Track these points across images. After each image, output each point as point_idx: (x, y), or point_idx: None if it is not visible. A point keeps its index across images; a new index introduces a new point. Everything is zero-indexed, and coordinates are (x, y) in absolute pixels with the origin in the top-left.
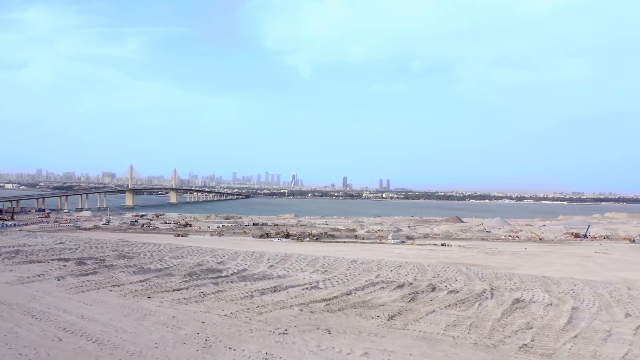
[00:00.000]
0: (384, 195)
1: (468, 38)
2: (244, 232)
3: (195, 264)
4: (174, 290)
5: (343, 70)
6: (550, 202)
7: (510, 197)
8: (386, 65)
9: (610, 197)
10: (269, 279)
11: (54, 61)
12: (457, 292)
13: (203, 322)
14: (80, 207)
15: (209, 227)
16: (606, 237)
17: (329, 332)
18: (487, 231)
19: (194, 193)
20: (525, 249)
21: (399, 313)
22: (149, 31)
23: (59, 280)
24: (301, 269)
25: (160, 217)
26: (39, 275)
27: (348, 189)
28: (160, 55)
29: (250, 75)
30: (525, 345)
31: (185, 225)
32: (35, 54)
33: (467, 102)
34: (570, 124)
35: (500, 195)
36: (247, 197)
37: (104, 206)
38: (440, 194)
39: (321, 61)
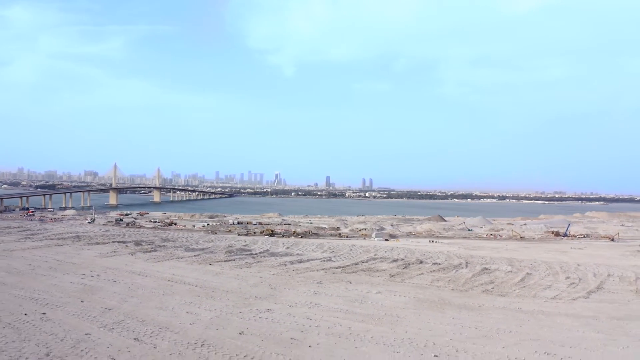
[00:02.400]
0: (367, 195)
1: (450, 38)
2: (229, 230)
3: (226, 246)
4: (225, 261)
5: (326, 69)
6: (531, 201)
7: (492, 197)
8: (369, 65)
9: (591, 196)
10: (291, 255)
11: (36, 59)
12: (440, 264)
13: (260, 277)
14: (64, 205)
15: (194, 226)
16: (586, 236)
17: (350, 283)
18: (469, 230)
19: (177, 192)
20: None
21: (397, 274)
22: (132, 29)
23: (132, 255)
24: (312, 250)
25: (144, 215)
26: (113, 252)
27: (331, 188)
28: (144, 54)
29: (233, 74)
30: (487, 290)
31: (171, 224)
32: (18, 51)
33: (449, 102)
34: (552, 125)
35: (482, 194)
36: (231, 196)
37: (88, 205)
38: (422, 193)
39: (304, 60)
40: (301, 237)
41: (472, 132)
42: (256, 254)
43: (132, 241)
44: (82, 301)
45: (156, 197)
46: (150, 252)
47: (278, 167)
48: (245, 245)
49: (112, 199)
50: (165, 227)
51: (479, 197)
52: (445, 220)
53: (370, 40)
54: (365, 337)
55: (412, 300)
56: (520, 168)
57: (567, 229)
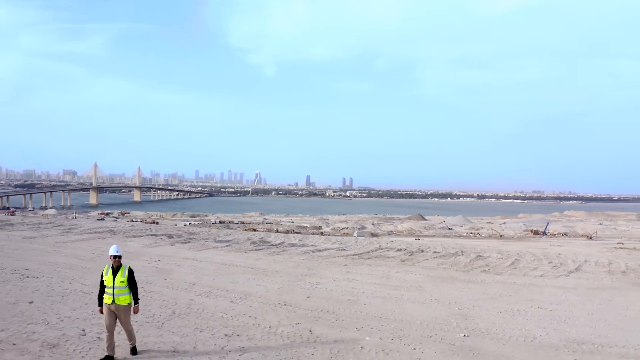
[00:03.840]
0: (348, 194)
1: (430, 39)
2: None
3: (246, 238)
4: (255, 250)
5: (307, 69)
6: (511, 200)
7: (472, 196)
8: (349, 65)
9: (569, 196)
10: (307, 246)
11: (15, 57)
12: (439, 252)
13: (294, 262)
14: (44, 205)
15: (175, 225)
16: (565, 234)
17: (370, 266)
18: (449, 228)
19: (158, 191)
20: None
21: (406, 260)
22: (112, 27)
23: (172, 245)
24: (322, 242)
25: (125, 215)
26: (155, 243)
27: (311, 187)
28: (124, 52)
29: (213, 73)
30: (485, 270)
31: (152, 223)
32: None
33: (429, 102)
34: (531, 125)
35: (462, 194)
36: (211, 195)
37: (68, 204)
38: (402, 192)
39: (285, 59)
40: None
41: (452, 132)
42: (276, 244)
43: (164, 234)
44: (165, 279)
45: (136, 196)
46: (185, 243)
47: (258, 167)
48: (261, 238)
49: (93, 198)
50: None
51: (458, 197)
52: (425, 219)
53: (350, 40)
54: (402, 298)
55: (427, 277)
56: (499, 167)
57: (545, 228)
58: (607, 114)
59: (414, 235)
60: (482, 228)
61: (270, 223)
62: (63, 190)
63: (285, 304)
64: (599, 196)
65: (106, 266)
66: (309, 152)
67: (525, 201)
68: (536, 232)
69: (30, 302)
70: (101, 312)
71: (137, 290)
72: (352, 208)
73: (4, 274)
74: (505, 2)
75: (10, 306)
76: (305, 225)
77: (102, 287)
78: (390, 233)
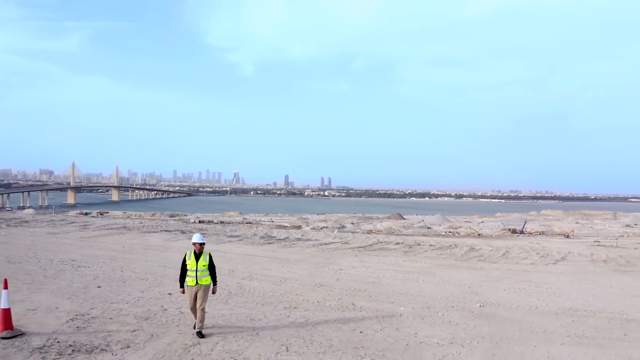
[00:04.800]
0: (326, 193)
1: (409, 39)
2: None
3: (252, 233)
4: (267, 243)
5: (285, 68)
6: (488, 200)
7: (450, 195)
8: (328, 64)
9: (546, 195)
10: (311, 240)
11: None
12: (434, 246)
13: (309, 253)
14: (22, 205)
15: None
16: (542, 233)
17: (377, 256)
18: (428, 227)
19: (136, 191)
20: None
21: (408, 251)
22: (90, 25)
23: (190, 240)
24: (323, 237)
25: (104, 214)
26: (174, 238)
27: (290, 187)
28: (101, 50)
29: (192, 72)
30: (481, 260)
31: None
32: None
33: (407, 101)
34: (508, 125)
35: (440, 193)
36: (190, 194)
37: (46, 204)
38: (381, 192)
39: (264, 59)
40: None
41: (430, 131)
42: (282, 239)
43: (176, 230)
44: None
45: (114, 196)
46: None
47: (236, 166)
48: (265, 234)
49: (70, 198)
50: None
51: (436, 196)
52: (404, 219)
53: (329, 40)
54: (418, 280)
55: (431, 265)
56: (476, 167)
57: (523, 227)
58: (584, 114)
59: (393, 234)
60: (460, 227)
61: (250, 222)
62: (41, 190)
63: (321, 285)
64: (575, 195)
65: (188, 252)
66: (288, 152)
67: (503, 200)
68: (514, 231)
69: (99, 287)
70: (182, 292)
71: (216, 273)
72: (331, 207)
73: (57, 264)
74: (485, 3)
75: (83, 290)
76: (285, 224)
77: (184, 270)
78: (369, 232)
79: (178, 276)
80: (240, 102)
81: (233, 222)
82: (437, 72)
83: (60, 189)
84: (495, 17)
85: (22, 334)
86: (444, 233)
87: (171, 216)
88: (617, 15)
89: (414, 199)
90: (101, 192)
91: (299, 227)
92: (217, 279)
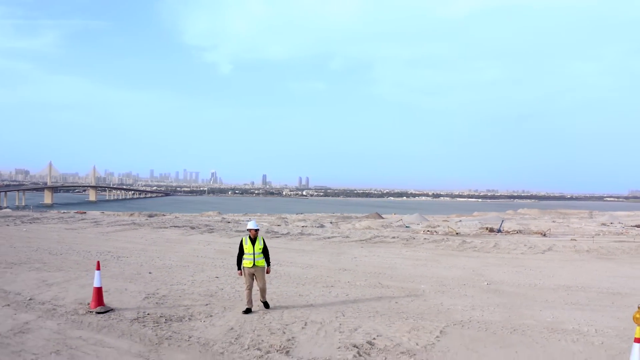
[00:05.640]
0: (304, 193)
1: (387, 39)
2: None
3: None
4: (275, 237)
5: (263, 67)
6: (465, 199)
7: (427, 195)
8: (306, 64)
9: (523, 194)
10: (313, 235)
11: None
12: (428, 239)
13: (319, 245)
14: None
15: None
16: (519, 232)
17: (381, 248)
18: (407, 226)
19: (114, 191)
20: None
21: (407, 244)
22: (66, 24)
23: (202, 234)
24: (323, 232)
25: (82, 215)
26: (187, 232)
27: (268, 186)
28: (77, 49)
29: (168, 71)
30: (475, 250)
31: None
32: None
33: (385, 101)
34: (485, 125)
35: (418, 192)
36: (167, 194)
37: (23, 204)
38: (359, 191)
39: (241, 58)
40: None
41: (407, 131)
42: (285, 234)
43: (185, 226)
44: (232, 256)
45: (92, 196)
46: (212, 232)
47: (214, 166)
48: (267, 229)
49: (47, 198)
50: None
51: (414, 195)
52: (383, 218)
53: (307, 39)
54: (427, 265)
55: (433, 254)
56: (453, 167)
57: (500, 225)
58: (560, 114)
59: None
60: (438, 226)
61: (229, 222)
62: (18, 190)
63: (344, 269)
64: (551, 195)
65: (244, 237)
66: (265, 151)
67: (480, 200)
68: (491, 230)
69: (150, 273)
70: (240, 274)
71: (269, 255)
72: (309, 207)
73: (97, 256)
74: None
75: (137, 275)
76: (264, 224)
77: (241, 254)
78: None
79: (212, 264)
80: (217, 101)
81: (213, 222)
82: (415, 73)
83: (37, 189)
84: (473, 18)
85: (112, 309)
86: (422, 232)
87: (150, 216)
88: (594, 17)
89: (392, 198)
90: (78, 192)
91: (279, 226)
92: (270, 261)
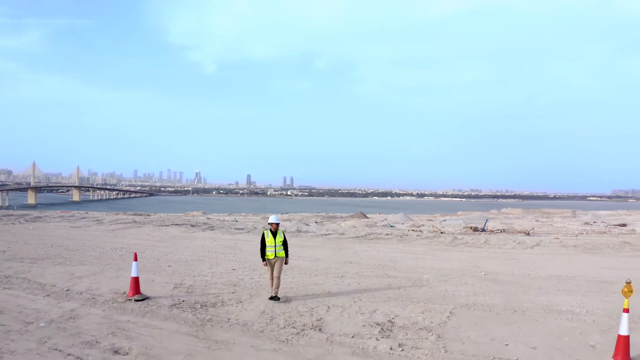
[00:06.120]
0: (289, 193)
1: (372, 38)
2: None
3: (253, 227)
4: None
5: (248, 67)
6: (449, 199)
7: (411, 194)
8: (291, 63)
9: (506, 194)
10: (310, 232)
11: None
12: (420, 235)
13: (319, 241)
14: None
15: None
16: (503, 231)
17: (378, 244)
18: (392, 226)
19: (97, 191)
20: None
21: (401, 240)
22: (50, 22)
23: (204, 232)
24: (317, 229)
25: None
26: (187, 230)
27: (252, 186)
28: (62, 48)
29: (152, 70)
30: (467, 245)
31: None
32: None
33: (369, 101)
34: (469, 125)
35: (402, 192)
36: (151, 194)
37: (6, 204)
38: (343, 191)
39: (226, 57)
40: None
41: (391, 131)
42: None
43: (185, 224)
44: (240, 251)
45: (75, 196)
46: (213, 230)
47: (198, 166)
48: (263, 227)
49: (31, 198)
50: None
51: (398, 195)
52: (367, 217)
53: (291, 39)
54: (425, 259)
55: (429, 249)
56: (437, 166)
57: (484, 225)
58: (542, 115)
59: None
60: (423, 225)
61: (205, 223)
62: (1, 190)
63: (350, 262)
64: (535, 194)
65: (265, 231)
66: (250, 151)
67: (464, 199)
68: (475, 229)
69: (169, 266)
70: (265, 265)
71: (288, 247)
72: (294, 207)
73: (111, 251)
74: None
75: (158, 269)
76: (249, 224)
77: (264, 246)
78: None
79: (224, 258)
80: (201, 100)
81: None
82: (399, 73)
83: (21, 189)
84: (457, 19)
85: (148, 297)
86: (407, 231)
87: (135, 216)
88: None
89: (377, 198)
90: (61, 192)
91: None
92: (288, 252)
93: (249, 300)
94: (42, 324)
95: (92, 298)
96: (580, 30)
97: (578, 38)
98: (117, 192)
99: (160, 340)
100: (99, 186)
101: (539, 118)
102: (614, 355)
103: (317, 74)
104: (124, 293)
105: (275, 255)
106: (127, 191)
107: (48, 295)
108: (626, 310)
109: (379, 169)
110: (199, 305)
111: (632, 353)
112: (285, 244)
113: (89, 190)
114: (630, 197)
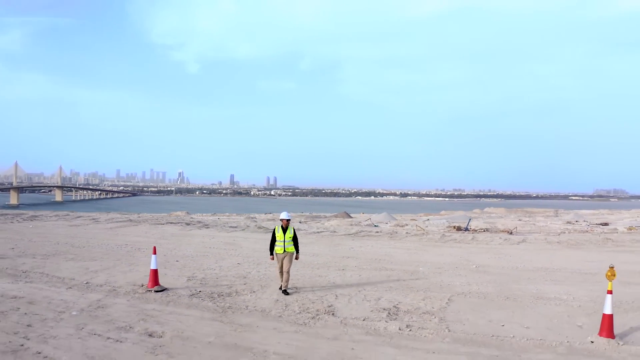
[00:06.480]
0: (272, 193)
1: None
2: None
3: (246, 225)
4: (267, 232)
5: (231, 67)
6: (432, 198)
7: (395, 194)
8: (275, 63)
9: (489, 193)
10: (301, 230)
11: None
12: (409, 233)
13: (314, 238)
14: None
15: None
16: (486, 230)
17: (370, 240)
18: (375, 225)
19: (80, 191)
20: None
21: (392, 237)
22: (32, 21)
23: (200, 229)
24: (309, 228)
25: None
26: (183, 228)
27: (236, 186)
28: (43, 47)
29: (134, 69)
30: (456, 242)
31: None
32: None
33: (353, 101)
34: (451, 124)
35: (385, 192)
36: (134, 194)
37: None
38: (327, 191)
39: (209, 57)
40: None
41: (374, 131)
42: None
43: (180, 222)
44: (241, 247)
45: (58, 196)
46: (209, 228)
47: (181, 165)
48: (256, 225)
49: (13, 198)
50: None
51: (381, 195)
52: (351, 217)
53: (275, 39)
54: (418, 254)
55: (420, 245)
56: (420, 166)
57: (467, 224)
58: (524, 115)
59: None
60: (406, 225)
61: (199, 222)
62: None
63: (347, 257)
64: (517, 194)
65: (276, 226)
66: (233, 151)
67: (447, 199)
68: (459, 228)
69: (177, 261)
70: (272, 259)
71: (298, 243)
72: (278, 207)
73: (117, 248)
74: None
75: (167, 264)
76: (233, 224)
77: (273, 241)
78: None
79: (227, 254)
80: (184, 100)
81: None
82: (382, 73)
83: (3, 189)
84: (438, 19)
85: (166, 289)
86: (396, 229)
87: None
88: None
89: (360, 197)
90: (44, 192)
91: (248, 226)
92: (299, 248)
93: (261, 291)
94: (74, 312)
95: (113, 290)
96: (559, 31)
97: (557, 39)
98: (99, 192)
99: (189, 325)
100: (81, 186)
101: (520, 118)
102: (600, 332)
103: (302, 74)
104: (142, 285)
105: (285, 250)
106: (110, 191)
107: (70, 287)
108: (610, 292)
109: (363, 168)
110: (216, 295)
111: (615, 331)
112: (295, 240)
113: (71, 191)
114: (612, 197)
